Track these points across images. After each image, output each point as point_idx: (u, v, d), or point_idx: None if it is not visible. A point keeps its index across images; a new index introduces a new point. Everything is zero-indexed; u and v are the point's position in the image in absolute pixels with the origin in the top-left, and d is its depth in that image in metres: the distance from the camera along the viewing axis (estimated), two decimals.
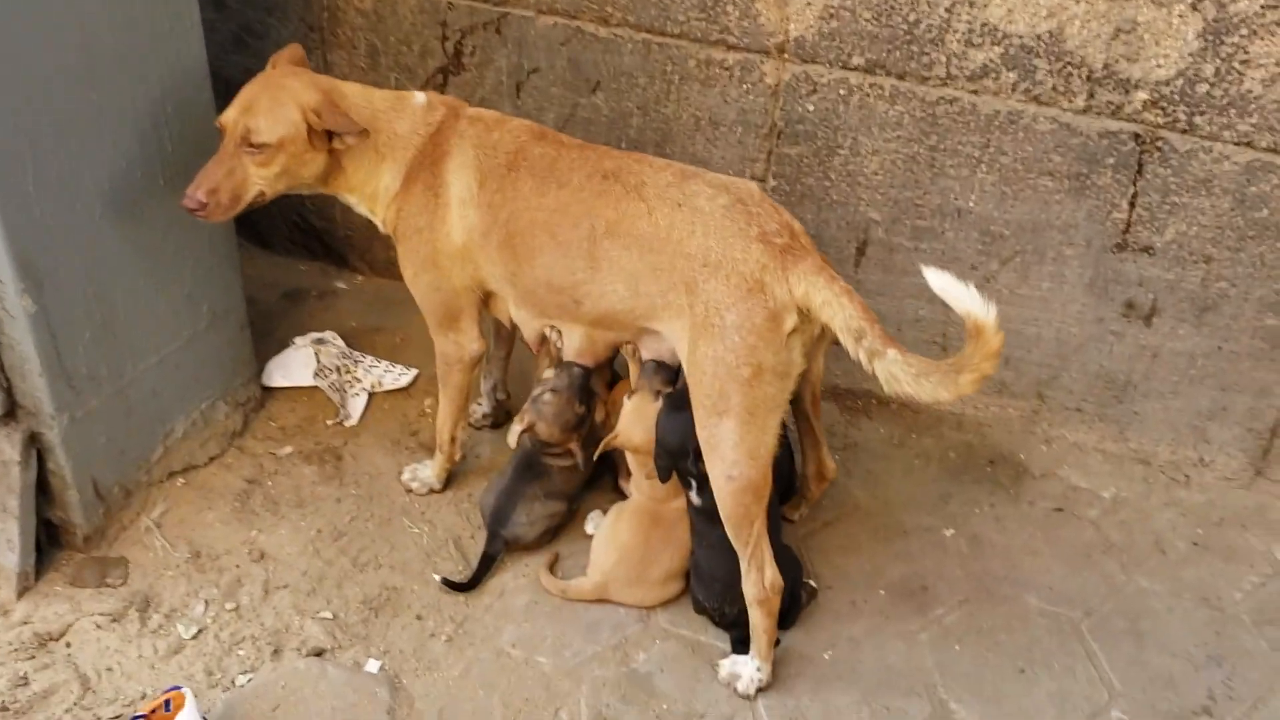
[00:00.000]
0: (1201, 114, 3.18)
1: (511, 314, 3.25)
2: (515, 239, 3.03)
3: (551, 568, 3.33)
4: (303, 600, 3.23)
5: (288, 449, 3.74)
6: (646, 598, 3.22)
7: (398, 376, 4.02)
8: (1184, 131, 3.21)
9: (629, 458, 3.23)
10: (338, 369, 3.97)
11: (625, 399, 3.17)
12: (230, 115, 2.98)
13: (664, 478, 3.09)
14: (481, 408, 3.85)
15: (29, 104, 2.74)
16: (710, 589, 3.13)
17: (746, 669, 3.01)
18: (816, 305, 2.70)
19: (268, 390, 3.92)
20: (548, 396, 3.23)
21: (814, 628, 3.20)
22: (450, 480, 3.61)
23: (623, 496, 3.50)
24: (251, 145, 2.96)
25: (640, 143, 3.77)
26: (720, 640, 3.15)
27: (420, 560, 3.38)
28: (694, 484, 3.04)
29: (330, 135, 3.01)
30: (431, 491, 3.59)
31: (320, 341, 4.04)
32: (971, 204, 3.52)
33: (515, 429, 3.26)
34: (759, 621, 2.95)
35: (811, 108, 3.55)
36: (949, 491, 3.67)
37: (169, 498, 3.50)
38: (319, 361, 3.93)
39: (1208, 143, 3.20)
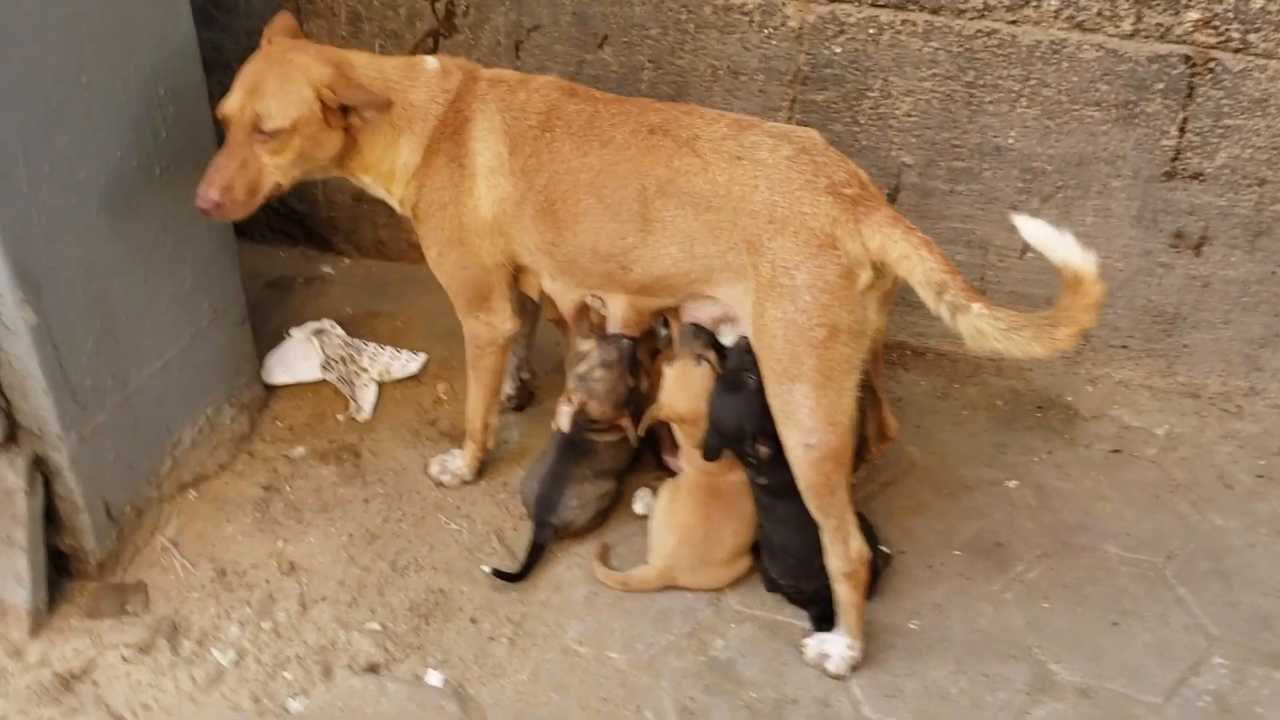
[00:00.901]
0: (1256, 30, 3.05)
1: (545, 287, 3.03)
2: (556, 205, 2.80)
3: (603, 559, 3.14)
4: (345, 612, 2.98)
5: (301, 450, 3.47)
6: (714, 579, 3.04)
7: (406, 363, 3.76)
8: (1237, 50, 3.08)
9: (676, 429, 3.03)
10: (343, 360, 3.71)
11: (666, 367, 2.97)
12: (234, 101, 2.70)
13: (711, 457, 2.90)
14: (505, 389, 3.62)
15: (16, 91, 2.44)
16: (784, 565, 2.95)
17: (836, 647, 2.83)
18: (893, 259, 2.51)
19: (269, 389, 3.65)
20: (599, 373, 3.01)
21: (895, 596, 3.04)
22: (482, 470, 3.38)
23: (668, 471, 3.32)
24: (263, 132, 2.69)
25: (654, 97, 3.53)
26: (799, 618, 2.98)
27: (464, 558, 3.15)
28: (754, 465, 2.87)
29: (346, 111, 2.75)
30: (464, 483, 3.36)
31: (320, 332, 3.76)
32: (1012, 141, 3.37)
33: (565, 410, 3.04)
34: (846, 596, 2.78)
35: (839, 50, 3.35)
36: (1003, 441, 3.53)
37: (183, 513, 3.23)
38: (324, 354, 3.67)
39: (1263, 60, 3.07)
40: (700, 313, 2.90)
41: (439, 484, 3.36)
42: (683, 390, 2.91)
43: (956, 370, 3.82)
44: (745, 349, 2.78)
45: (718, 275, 2.73)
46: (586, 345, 3.10)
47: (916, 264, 2.50)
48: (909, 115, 3.40)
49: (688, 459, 3.04)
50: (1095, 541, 3.21)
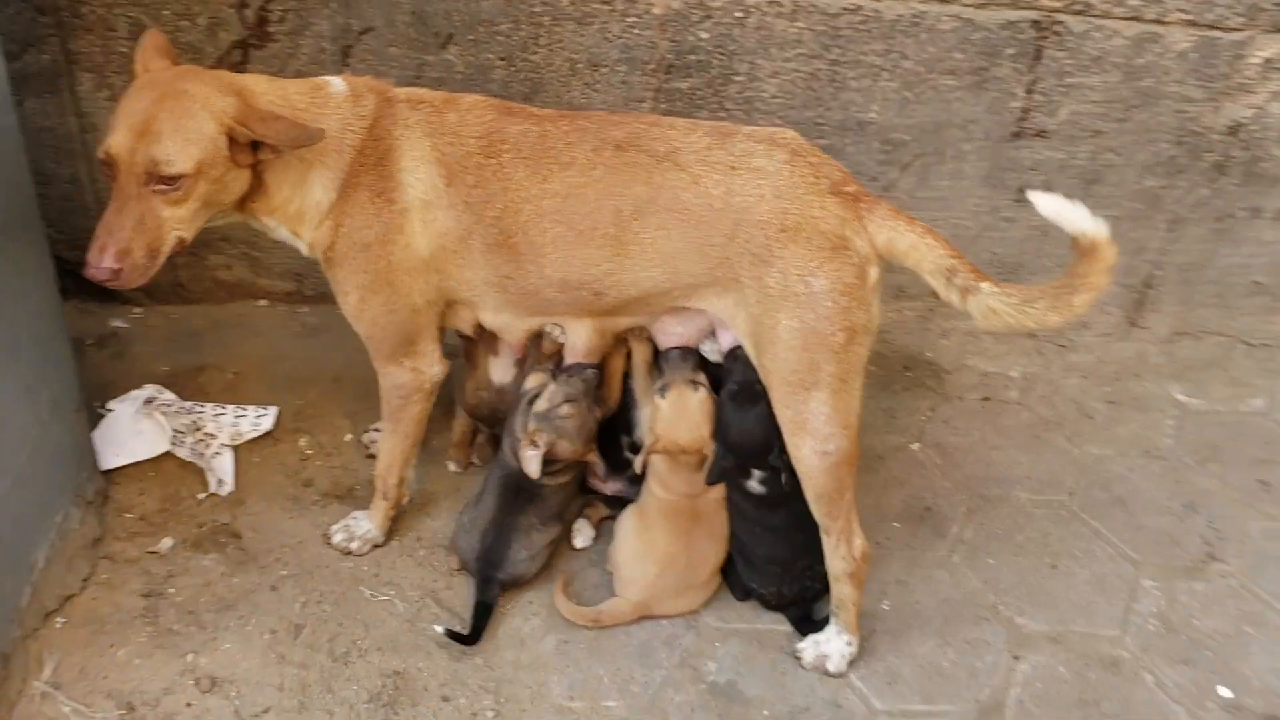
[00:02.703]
0: None
1: (487, 321, 2.75)
2: (514, 237, 2.53)
3: (568, 593, 2.91)
4: None
5: (168, 541, 2.97)
6: (694, 602, 2.91)
7: (256, 420, 3.31)
8: (1080, 13, 3.27)
9: (655, 460, 2.85)
10: (188, 429, 3.20)
11: (658, 398, 2.78)
12: (121, 144, 2.24)
13: (716, 480, 2.77)
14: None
15: None
16: (766, 573, 2.88)
17: (833, 646, 2.80)
18: (902, 250, 2.48)
19: (105, 476, 3.10)
20: (566, 409, 2.76)
21: None
22: (392, 527, 3.06)
23: (597, 497, 3.14)
24: (162, 180, 2.25)
25: (507, 96, 3.24)
26: (779, 623, 2.91)
27: (407, 631, 2.82)
28: (757, 474, 2.77)
29: (256, 146, 2.35)
30: (375, 547, 3.02)
31: (150, 401, 3.23)
32: (873, 114, 3.41)
33: (533, 455, 2.75)
34: (849, 594, 2.75)
35: (705, 35, 3.24)
36: (890, 405, 3.63)
37: (56, 646, 2.67)
38: (165, 426, 3.15)
39: (1101, 20, 3.28)
40: (678, 328, 2.75)
41: (347, 553, 2.99)
42: (682, 419, 2.74)
43: None
44: (746, 359, 2.65)
45: (704, 290, 2.58)
46: (535, 380, 2.85)
47: (925, 253, 2.47)
48: (775, 97, 3.36)
49: (662, 485, 2.86)
50: (1005, 491, 3.37)
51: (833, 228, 2.44)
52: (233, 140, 2.31)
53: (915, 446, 3.49)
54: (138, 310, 3.68)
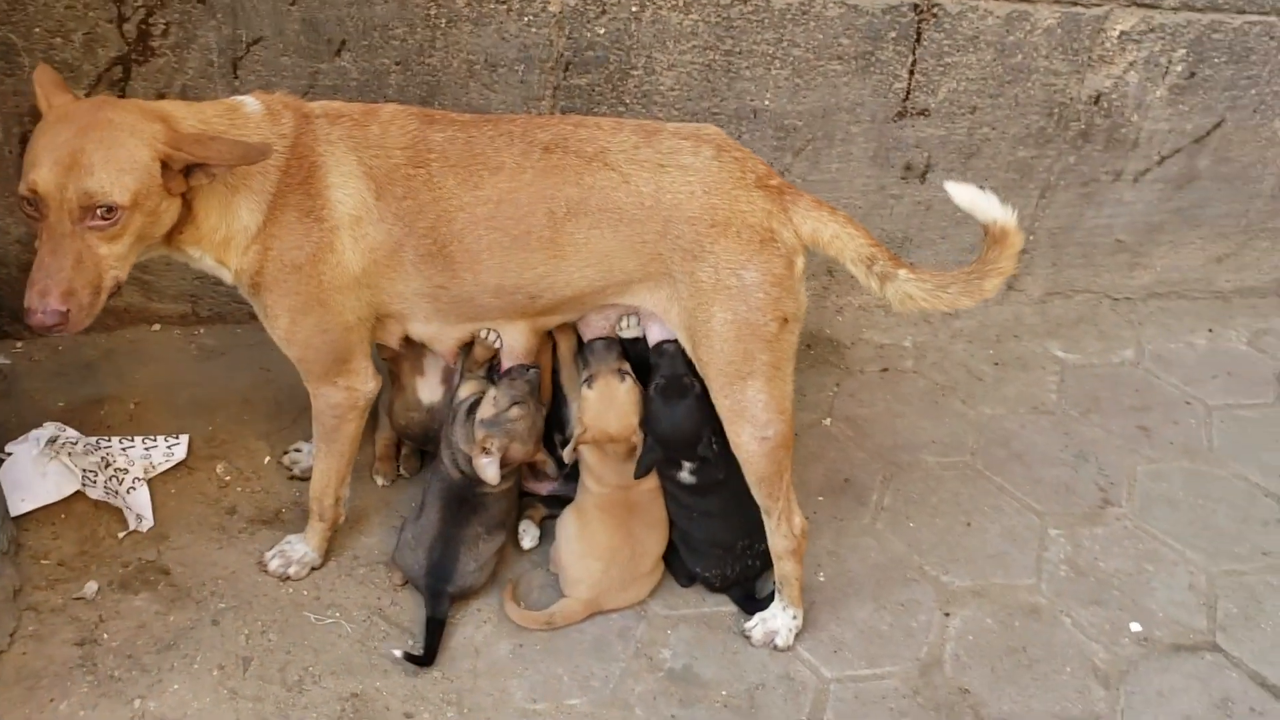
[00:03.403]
0: None
1: (417, 332, 2.73)
2: (449, 246, 2.52)
3: (516, 598, 2.92)
4: None
5: (92, 585, 2.84)
6: (641, 592, 2.96)
7: (169, 450, 3.19)
8: None
9: (585, 451, 2.88)
10: (98, 467, 3.06)
11: (585, 389, 2.81)
12: (49, 180, 2.14)
13: (645, 472, 2.82)
14: (306, 456, 3.21)
15: None
16: (708, 557, 2.95)
17: (780, 622, 2.90)
18: (825, 240, 2.58)
19: (14, 523, 2.94)
20: (516, 412, 2.76)
21: None
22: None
23: (530, 498, 3.15)
24: (98, 215, 2.15)
25: (404, 101, 3.18)
26: (724, 604, 3.00)
27: (358, 652, 2.79)
28: (687, 464, 2.83)
29: (189, 172, 2.27)
30: (313, 570, 2.97)
31: (54, 441, 3.07)
32: (766, 102, 3.49)
33: (489, 462, 2.73)
34: (791, 570, 2.84)
35: (602, 31, 3.25)
36: (798, 384, 3.61)
37: None
38: (74, 468, 3.00)
39: (975, 1, 3.43)
40: (600, 320, 2.78)
41: (285, 578, 2.93)
42: (610, 409, 2.77)
43: None
44: (675, 351, 2.70)
45: (636, 286, 2.63)
46: (470, 388, 2.84)
47: (847, 242, 2.57)
48: (672, 89, 3.39)
49: (595, 479, 2.90)
50: (914, 456, 3.53)
51: (760, 221, 2.52)
52: (165, 167, 2.23)
53: (827, 421, 3.62)
54: (19, 345, 3.48)
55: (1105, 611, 3.09)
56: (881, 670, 2.88)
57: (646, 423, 2.79)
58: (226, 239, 2.45)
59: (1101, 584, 3.17)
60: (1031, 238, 4.03)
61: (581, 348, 2.93)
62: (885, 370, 3.86)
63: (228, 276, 2.54)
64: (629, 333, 2.83)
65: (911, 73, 3.54)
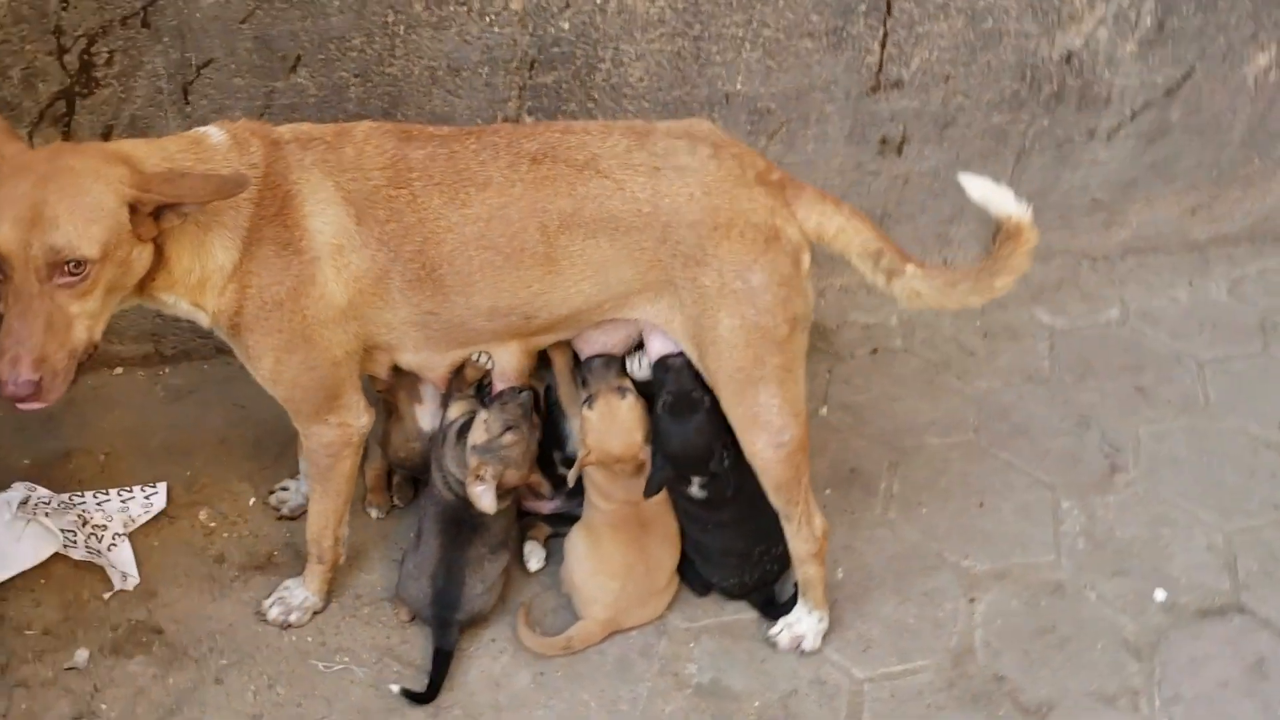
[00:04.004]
0: None
1: (407, 362, 2.61)
2: (439, 269, 2.40)
3: (530, 623, 2.81)
4: None
5: (83, 653, 2.69)
6: (659, 608, 2.86)
7: (147, 501, 3.02)
8: None
9: (591, 472, 2.77)
10: (76, 525, 2.89)
11: (586, 410, 2.69)
12: (9, 237, 1.99)
13: (655, 491, 2.71)
14: (300, 490, 3.05)
15: None
16: (724, 566, 2.86)
17: (806, 625, 2.81)
18: (831, 234, 2.49)
19: None
20: (509, 438, 2.64)
21: None
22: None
23: (531, 517, 3.04)
24: (67, 270, 2.00)
25: (365, 114, 3.07)
26: (744, 611, 2.91)
27: (374, 698, 2.66)
28: (697, 479, 2.72)
29: (158, 214, 2.12)
30: (315, 614, 2.83)
31: (25, 503, 2.88)
32: (739, 86, 3.38)
33: (484, 489, 2.61)
34: (814, 573, 2.76)
35: (567, 25, 3.12)
36: None
37: None
38: (53, 529, 2.82)
39: None
40: (601, 337, 2.66)
41: (287, 626, 2.79)
42: (613, 428, 2.66)
43: None
44: (681, 365, 2.59)
45: (635, 298, 2.51)
46: (459, 409, 2.71)
47: (853, 236, 2.48)
48: (641, 80, 3.27)
49: (603, 496, 2.78)
50: (918, 439, 3.46)
51: (764, 219, 2.42)
52: (134, 212, 2.08)
53: (824, 411, 3.53)
54: None
55: (1128, 581, 3.04)
56: (914, 665, 2.81)
57: (655, 441, 2.68)
58: (201, 281, 2.30)
59: (1121, 553, 3.12)
60: None
61: (578, 364, 2.83)
62: (875, 352, 3.78)
63: (205, 320, 2.39)
64: (641, 374, 2.72)
65: (883, 45, 3.44)
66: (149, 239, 2.15)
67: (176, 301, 2.34)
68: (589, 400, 2.70)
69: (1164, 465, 3.42)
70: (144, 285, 2.25)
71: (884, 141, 3.66)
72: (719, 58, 3.32)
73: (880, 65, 3.48)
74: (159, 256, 2.21)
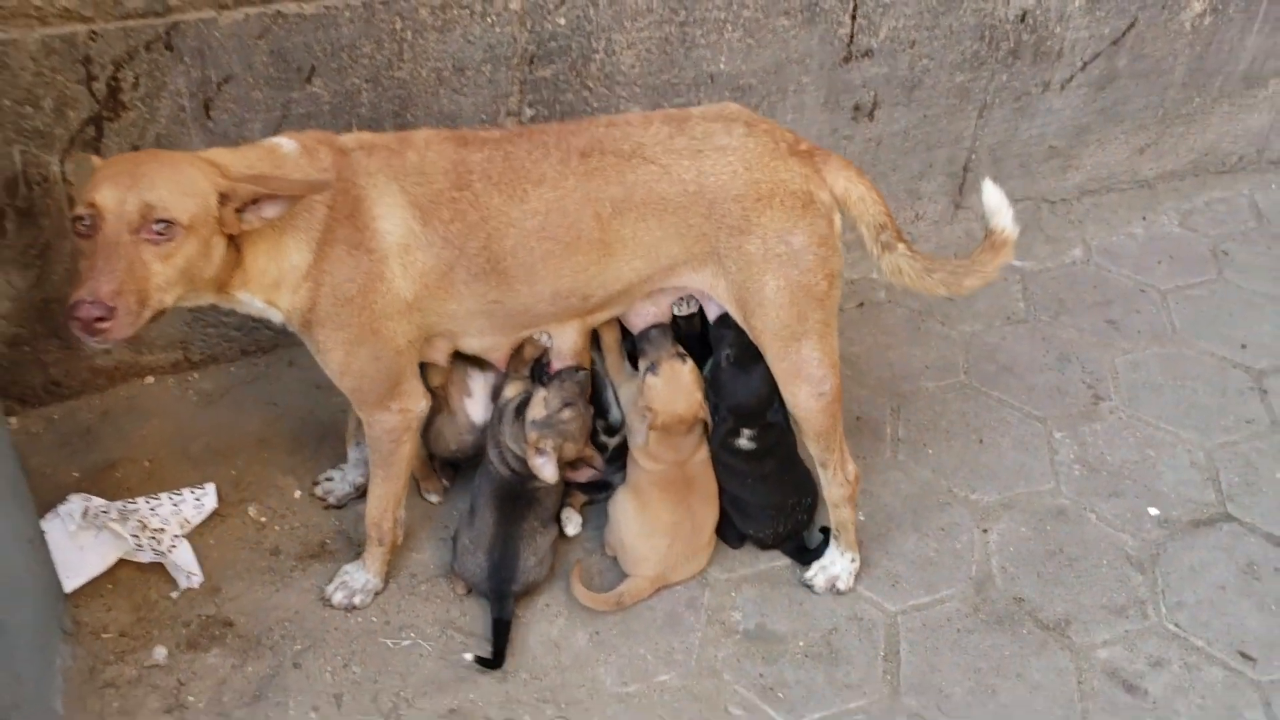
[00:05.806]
0: None
1: (470, 347, 2.79)
2: (504, 261, 2.58)
3: (584, 580, 2.99)
4: None
5: (161, 651, 2.81)
6: (702, 562, 3.06)
7: (198, 502, 3.14)
8: None
9: (648, 436, 2.89)
10: (138, 530, 3.00)
11: (650, 376, 2.86)
12: (108, 194, 2.17)
13: (719, 442, 2.94)
14: (346, 478, 3.20)
15: None
16: (759, 518, 3.07)
17: (840, 566, 3.03)
18: (853, 200, 2.70)
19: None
20: (567, 414, 2.81)
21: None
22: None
23: (567, 486, 3.20)
24: (154, 228, 2.17)
25: (376, 118, 3.21)
26: (778, 559, 3.12)
27: (443, 668, 2.83)
28: (747, 431, 2.93)
29: (240, 212, 2.30)
30: (376, 595, 2.98)
31: (87, 514, 2.98)
32: (722, 66, 3.56)
33: (546, 461, 2.79)
34: (847, 516, 2.97)
35: (562, 20, 3.27)
36: None
37: None
38: (123, 533, 2.93)
39: None
40: (650, 307, 2.86)
41: (352, 608, 2.94)
42: (678, 392, 2.85)
43: None
44: (731, 324, 2.78)
45: (680, 268, 2.72)
46: (515, 388, 2.89)
47: (869, 205, 2.69)
48: (632, 67, 3.44)
49: (651, 458, 2.95)
50: (914, 384, 3.69)
51: (800, 186, 2.62)
52: (223, 204, 2.25)
53: None
54: (11, 420, 3.37)
55: (1124, 501, 3.30)
56: (940, 595, 3.04)
57: (717, 394, 2.90)
58: (277, 280, 2.46)
59: (1113, 476, 3.38)
60: (974, 156, 4.20)
61: (629, 336, 3.01)
62: (861, 305, 4.00)
63: (278, 317, 2.54)
64: (684, 310, 2.91)
65: (854, 18, 3.64)
66: (231, 232, 2.30)
67: (251, 300, 2.48)
68: (652, 367, 2.88)
69: (1142, 391, 3.69)
70: (223, 285, 2.40)
71: (856, 107, 3.86)
72: (703, 40, 3.49)
73: (851, 36, 3.68)
74: (236, 255, 2.37)
